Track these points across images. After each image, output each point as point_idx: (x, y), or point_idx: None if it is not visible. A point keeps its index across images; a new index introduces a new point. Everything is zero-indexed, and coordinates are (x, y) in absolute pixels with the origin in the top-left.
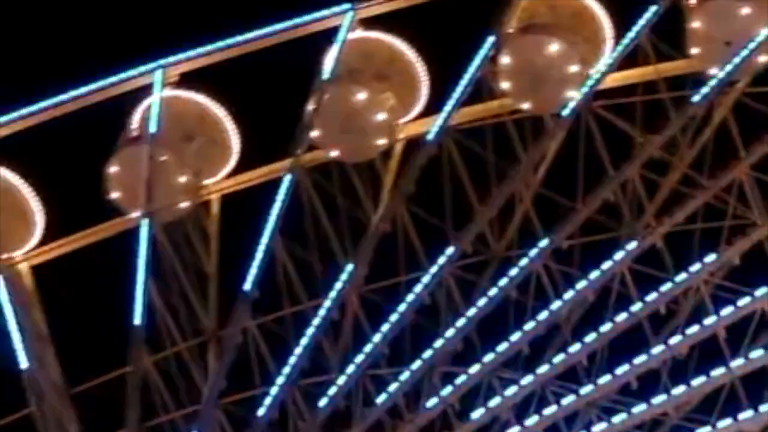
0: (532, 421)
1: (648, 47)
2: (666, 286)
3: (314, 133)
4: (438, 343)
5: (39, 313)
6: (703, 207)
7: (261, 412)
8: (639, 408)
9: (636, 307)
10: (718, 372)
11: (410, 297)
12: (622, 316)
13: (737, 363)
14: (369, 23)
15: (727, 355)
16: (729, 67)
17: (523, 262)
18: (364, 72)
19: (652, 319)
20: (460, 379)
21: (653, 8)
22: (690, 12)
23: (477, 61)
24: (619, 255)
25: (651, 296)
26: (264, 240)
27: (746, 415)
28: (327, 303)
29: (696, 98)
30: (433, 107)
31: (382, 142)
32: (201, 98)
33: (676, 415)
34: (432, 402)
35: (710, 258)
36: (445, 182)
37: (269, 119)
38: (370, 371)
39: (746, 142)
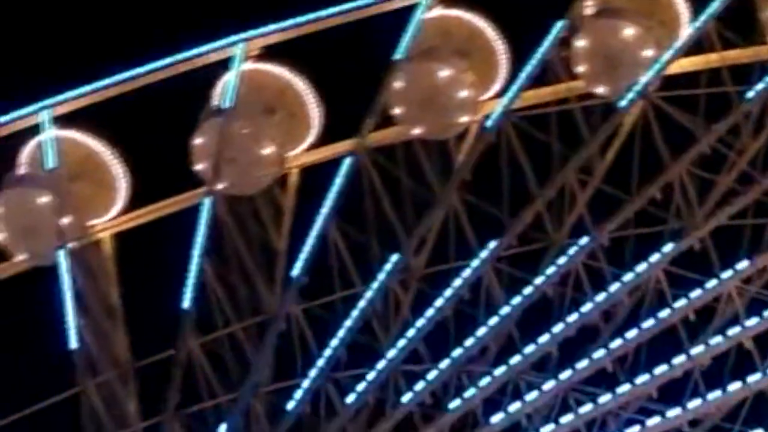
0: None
1: (714, 35)
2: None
3: (396, 111)
4: (468, 341)
5: (114, 285)
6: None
7: (290, 406)
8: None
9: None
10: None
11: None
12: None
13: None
14: (448, 1)
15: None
16: None
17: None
18: (444, 49)
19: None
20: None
21: None
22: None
23: (547, 43)
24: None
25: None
26: (318, 224)
27: None
28: (369, 293)
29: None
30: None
31: (464, 119)
32: (283, 71)
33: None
34: (455, 403)
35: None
36: (504, 168)
37: (347, 96)
38: (404, 367)
39: None
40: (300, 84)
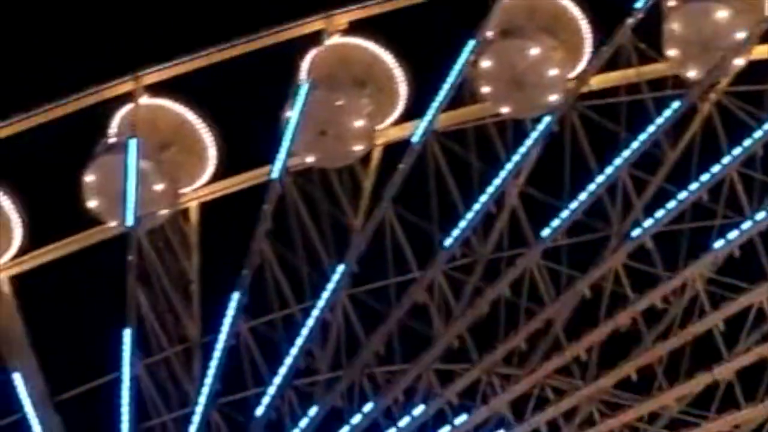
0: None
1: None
2: None
3: (484, 89)
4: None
5: (196, 258)
6: None
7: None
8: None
9: None
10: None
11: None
12: None
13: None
14: None
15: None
16: None
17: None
18: (531, 27)
19: None
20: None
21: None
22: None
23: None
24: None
25: None
26: None
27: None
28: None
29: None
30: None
31: (553, 98)
32: (370, 45)
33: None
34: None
35: None
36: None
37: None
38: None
39: None
40: (389, 58)
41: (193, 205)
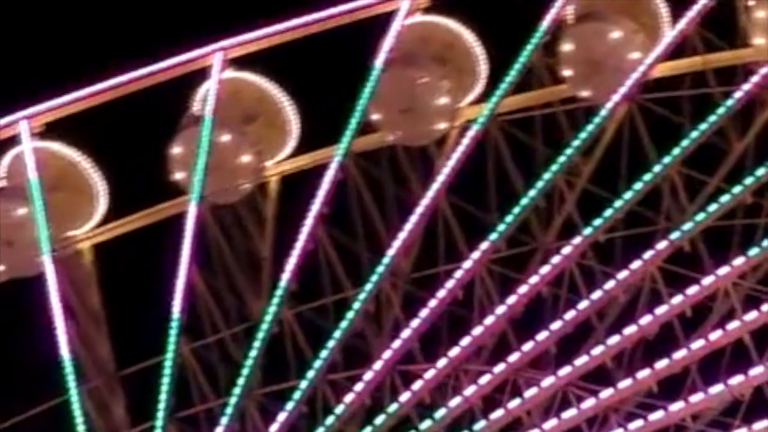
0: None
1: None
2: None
3: (566, 73)
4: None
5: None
6: None
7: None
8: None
9: None
10: None
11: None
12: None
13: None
14: None
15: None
16: None
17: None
18: (611, 11)
19: None
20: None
21: None
22: None
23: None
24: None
25: None
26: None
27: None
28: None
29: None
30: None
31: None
32: (451, 24)
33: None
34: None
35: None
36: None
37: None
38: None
39: None
40: (469, 37)
41: (273, 179)
